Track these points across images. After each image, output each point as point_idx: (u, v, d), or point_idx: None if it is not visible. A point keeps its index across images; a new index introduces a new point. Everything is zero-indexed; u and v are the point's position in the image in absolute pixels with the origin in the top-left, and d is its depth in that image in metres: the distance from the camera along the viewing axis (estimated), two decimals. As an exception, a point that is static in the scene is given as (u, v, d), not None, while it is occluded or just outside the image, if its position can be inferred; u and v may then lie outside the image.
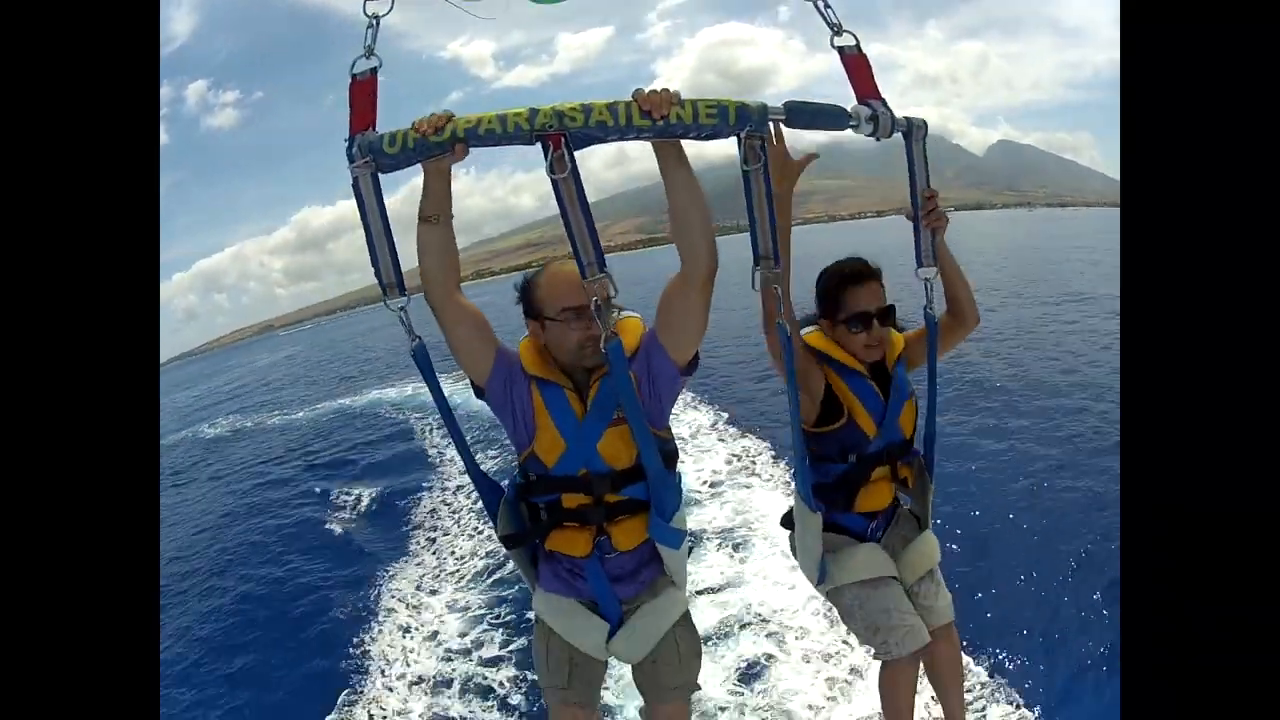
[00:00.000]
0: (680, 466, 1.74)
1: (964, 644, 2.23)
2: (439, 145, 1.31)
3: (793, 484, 1.91)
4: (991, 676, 3.46)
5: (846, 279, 1.88)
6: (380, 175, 1.41)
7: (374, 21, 1.41)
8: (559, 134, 1.28)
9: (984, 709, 3.21)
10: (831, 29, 1.52)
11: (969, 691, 3.21)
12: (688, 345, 1.58)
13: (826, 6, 1.50)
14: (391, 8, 1.40)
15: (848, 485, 1.92)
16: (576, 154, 1.33)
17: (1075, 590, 4.21)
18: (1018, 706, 3.26)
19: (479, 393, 1.66)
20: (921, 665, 1.97)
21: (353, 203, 1.44)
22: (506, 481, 1.78)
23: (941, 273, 1.86)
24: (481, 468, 1.76)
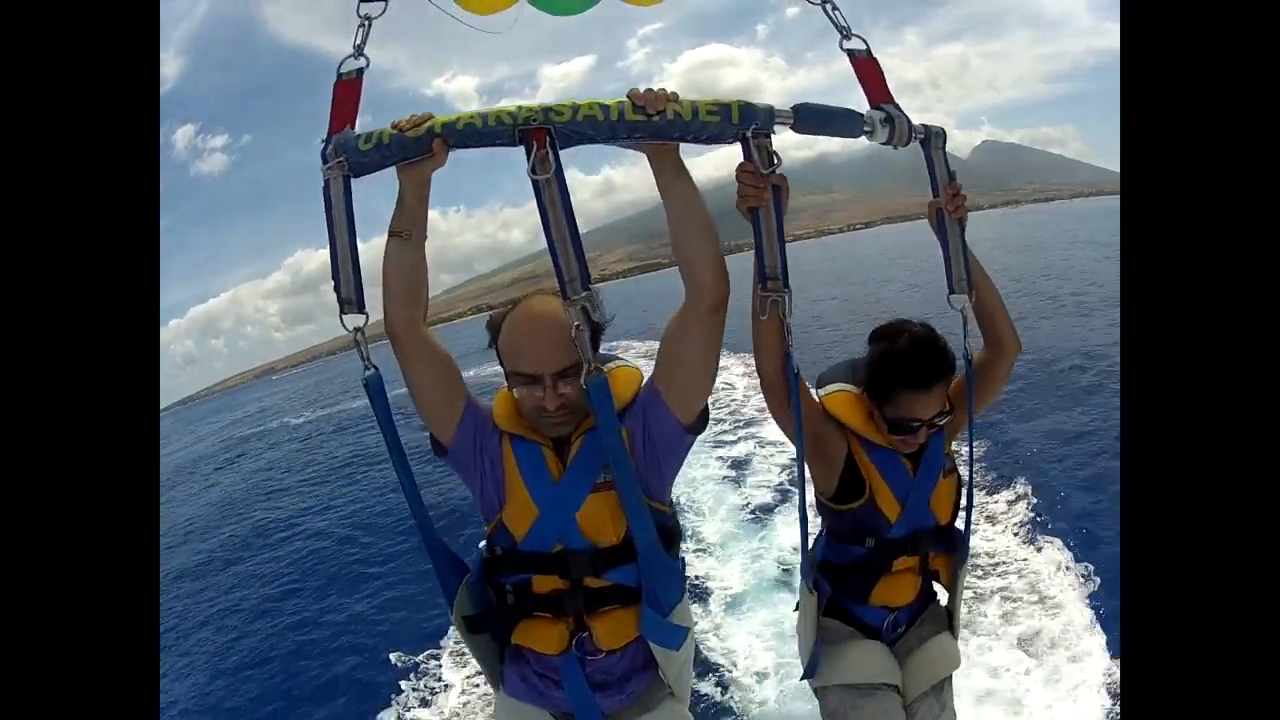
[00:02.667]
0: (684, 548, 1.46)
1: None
2: (416, 142, 1.22)
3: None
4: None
5: (908, 380, 1.51)
6: (353, 182, 1.30)
7: (366, 22, 1.34)
8: (543, 130, 1.18)
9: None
10: (840, 32, 1.45)
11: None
12: (694, 394, 1.31)
13: (835, 9, 1.44)
14: (385, 10, 1.35)
15: (863, 572, 1.63)
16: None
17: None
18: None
19: (438, 450, 1.39)
20: None
21: (329, 261, 1.32)
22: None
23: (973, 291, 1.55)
24: (441, 535, 1.44)
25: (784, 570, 5.14)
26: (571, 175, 1.22)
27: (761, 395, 1.47)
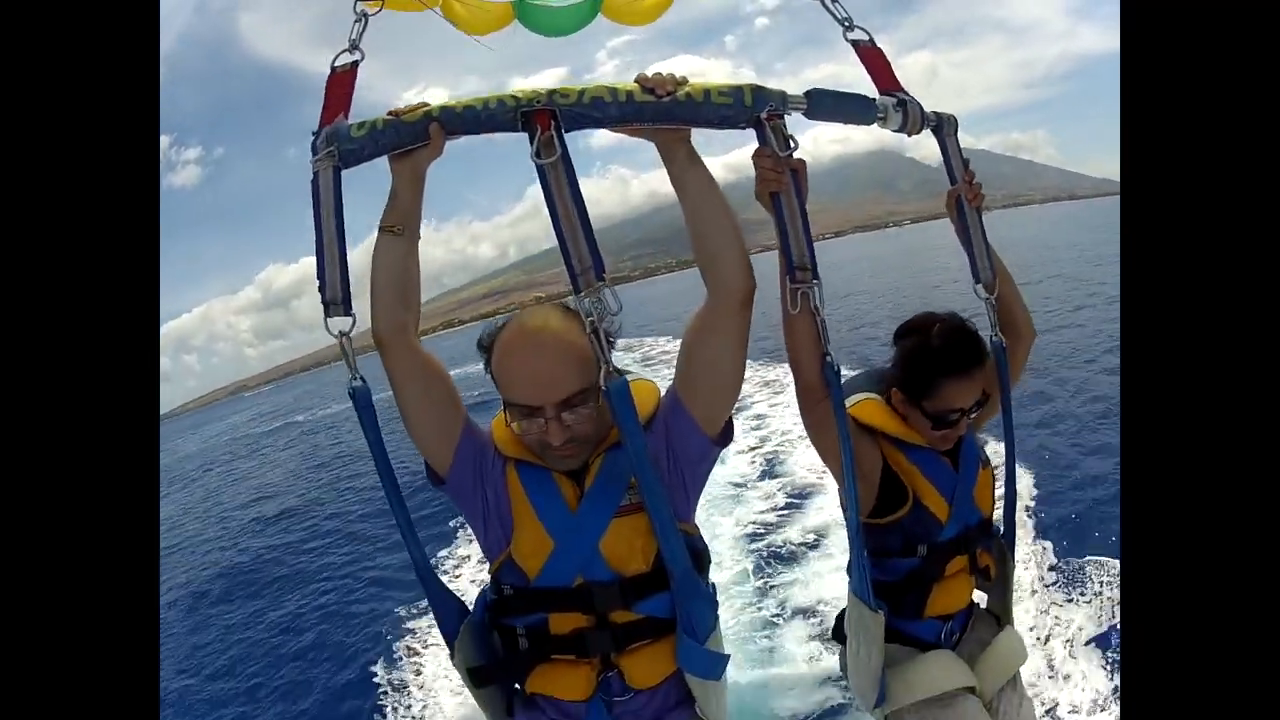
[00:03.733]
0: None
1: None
2: (412, 128, 1.17)
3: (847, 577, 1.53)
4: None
5: (949, 368, 1.50)
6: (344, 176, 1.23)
7: (363, 18, 1.33)
8: (547, 113, 1.13)
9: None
10: (842, 24, 1.43)
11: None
12: (719, 402, 1.22)
13: (834, 2, 1.42)
14: (381, 8, 1.35)
15: (918, 584, 1.58)
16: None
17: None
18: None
19: (435, 480, 1.28)
20: None
21: (315, 259, 1.25)
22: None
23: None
24: (439, 569, 1.34)
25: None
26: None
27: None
